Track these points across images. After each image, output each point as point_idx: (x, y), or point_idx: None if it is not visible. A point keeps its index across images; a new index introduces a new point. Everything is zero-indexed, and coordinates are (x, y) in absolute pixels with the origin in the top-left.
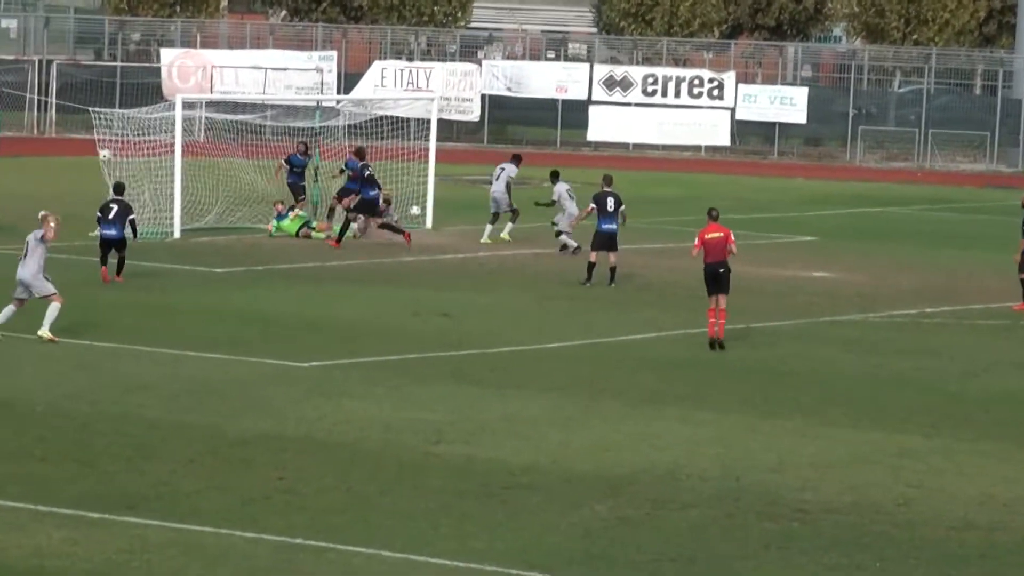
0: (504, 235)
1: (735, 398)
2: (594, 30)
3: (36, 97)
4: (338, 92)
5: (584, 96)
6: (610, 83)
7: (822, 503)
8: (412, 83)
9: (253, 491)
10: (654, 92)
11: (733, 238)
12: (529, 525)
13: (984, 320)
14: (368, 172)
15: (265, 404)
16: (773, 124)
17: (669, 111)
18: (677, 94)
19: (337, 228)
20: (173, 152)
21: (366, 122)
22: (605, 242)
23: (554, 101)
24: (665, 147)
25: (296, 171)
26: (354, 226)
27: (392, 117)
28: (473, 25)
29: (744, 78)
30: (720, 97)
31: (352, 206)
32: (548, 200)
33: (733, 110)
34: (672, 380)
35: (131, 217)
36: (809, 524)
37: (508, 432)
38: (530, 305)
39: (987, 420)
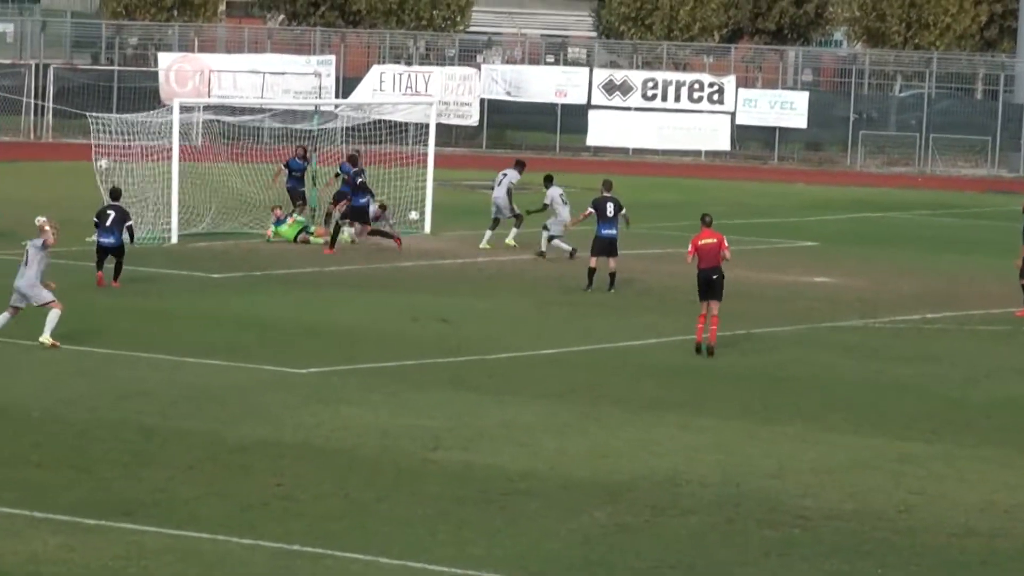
0: (509, 240)
1: (735, 404)
2: (594, 34)
3: (33, 101)
4: (336, 96)
5: (583, 100)
6: (610, 87)
7: (823, 509)
8: (411, 87)
9: (251, 497)
10: (654, 96)
11: (727, 244)
12: (528, 532)
13: (985, 326)
14: (360, 180)
15: (263, 410)
16: (773, 129)
17: (669, 115)
18: (677, 98)
19: (343, 235)
20: (170, 157)
21: (363, 125)
22: (605, 247)
23: (553, 105)
24: (665, 152)
25: (295, 175)
26: (351, 231)
27: (390, 122)
28: (472, 29)
29: (744, 82)
30: (720, 102)
31: (342, 212)
32: (539, 205)
33: (733, 115)
34: (672, 386)
35: (128, 223)
36: (810, 531)
37: (506, 438)
38: (529, 311)
39: (988, 426)
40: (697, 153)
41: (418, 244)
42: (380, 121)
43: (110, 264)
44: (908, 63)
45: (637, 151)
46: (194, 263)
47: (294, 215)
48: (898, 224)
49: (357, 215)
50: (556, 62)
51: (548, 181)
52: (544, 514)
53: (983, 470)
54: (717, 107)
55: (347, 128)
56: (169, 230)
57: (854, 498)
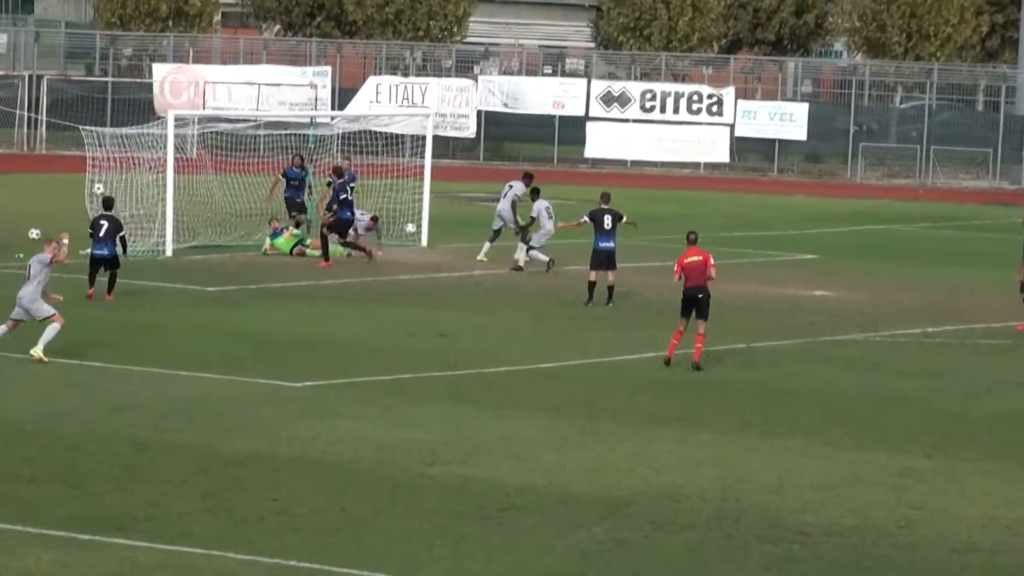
0: (518, 255)
1: (735, 418)
2: (592, 45)
3: (26, 114)
4: (332, 108)
5: (581, 112)
6: (608, 99)
7: (823, 525)
8: (407, 99)
9: (246, 512)
10: (652, 108)
11: (713, 262)
12: (525, 547)
13: (987, 340)
14: (344, 196)
15: (258, 424)
16: (773, 140)
17: (667, 127)
18: (676, 110)
19: (337, 248)
20: (165, 169)
21: (355, 134)
22: (603, 260)
23: (551, 117)
24: (663, 164)
25: (293, 184)
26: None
27: (387, 134)
28: (469, 40)
29: (743, 94)
30: (719, 113)
31: (327, 225)
32: (528, 219)
33: (732, 126)
34: (671, 400)
35: (121, 234)
36: (810, 547)
37: (504, 453)
38: (526, 324)
39: (990, 440)
40: (696, 165)
41: (415, 257)
42: (376, 133)
43: (103, 277)
44: (909, 74)
45: (635, 163)
46: (188, 276)
47: (290, 229)
48: (899, 237)
49: (340, 229)
50: (554, 73)
51: (535, 194)
52: (542, 529)
53: (985, 485)
54: (716, 119)
55: (343, 136)
56: (164, 243)
57: (854, 513)
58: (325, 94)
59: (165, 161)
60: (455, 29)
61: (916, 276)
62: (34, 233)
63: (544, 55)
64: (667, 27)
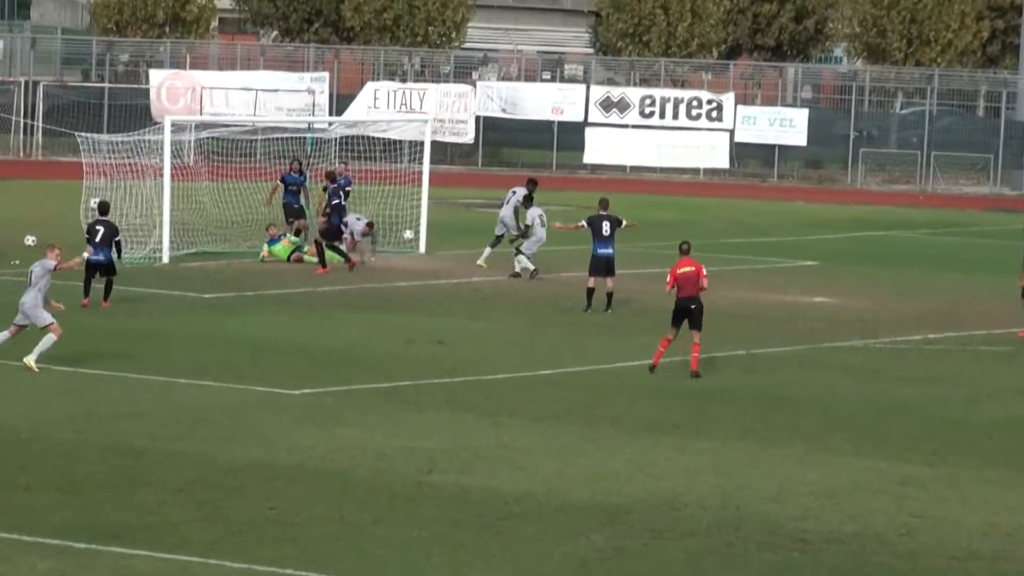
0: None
1: (735, 425)
2: (591, 50)
3: (22, 121)
4: (330, 114)
5: (580, 118)
6: (607, 104)
7: (823, 533)
8: (405, 104)
9: (244, 521)
10: (651, 114)
11: (705, 272)
12: (524, 555)
13: (988, 346)
14: (336, 201)
15: (256, 432)
16: (773, 146)
17: (667, 133)
18: (675, 116)
19: (332, 255)
20: (161, 175)
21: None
22: (601, 267)
23: (550, 123)
24: (663, 170)
25: (291, 189)
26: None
27: (385, 139)
28: (467, 46)
29: (743, 99)
30: (719, 119)
31: (320, 231)
32: (521, 228)
33: (732, 132)
34: (670, 407)
35: (117, 238)
36: (810, 554)
37: (503, 460)
38: (525, 331)
39: (991, 448)
40: (695, 171)
41: (413, 264)
42: (374, 139)
43: (98, 284)
44: (909, 80)
45: (635, 169)
46: (185, 283)
47: (289, 236)
48: (899, 243)
49: (331, 235)
50: (552, 79)
51: (528, 201)
52: (541, 537)
53: (985, 492)
54: (716, 124)
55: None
56: (160, 249)
57: (855, 521)
58: (323, 100)
59: (161, 167)
60: (453, 35)
61: (916, 282)
62: (30, 240)
63: (543, 61)
64: (666, 33)
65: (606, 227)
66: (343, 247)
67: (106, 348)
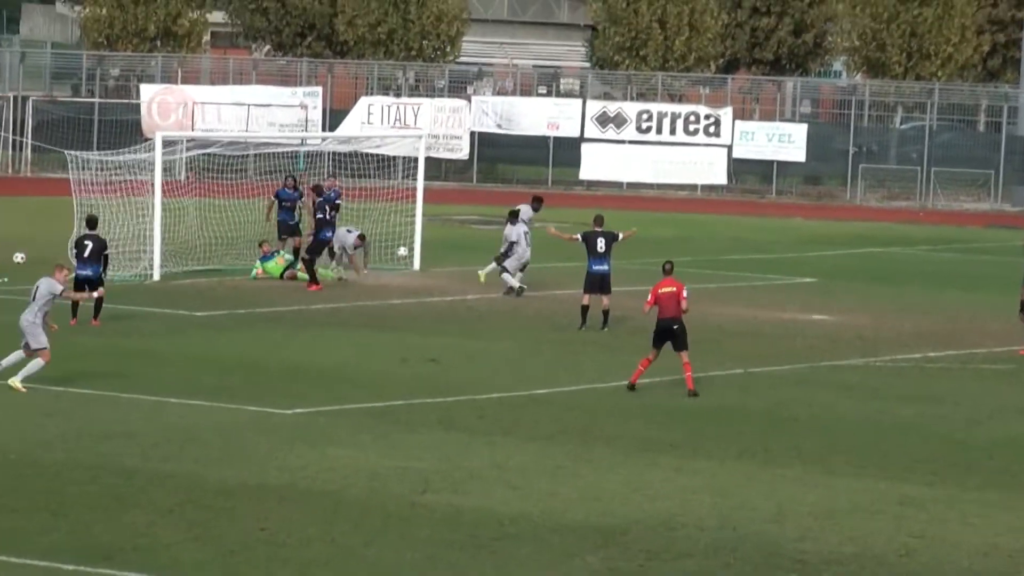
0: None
1: (732, 445)
2: (587, 65)
3: (11, 137)
4: (323, 129)
5: (576, 133)
6: (603, 119)
7: (822, 554)
8: (399, 120)
9: (234, 542)
10: (648, 129)
11: (686, 293)
12: None
13: (988, 365)
14: (322, 215)
15: (247, 452)
16: (771, 162)
17: (664, 149)
18: (672, 131)
19: (327, 271)
20: (152, 192)
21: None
22: (596, 284)
23: (545, 138)
24: (660, 186)
25: (285, 205)
26: (336, 269)
27: (379, 155)
28: (462, 60)
29: (741, 114)
30: (716, 134)
31: (307, 248)
32: (507, 246)
33: (730, 148)
34: (667, 427)
35: (105, 252)
36: (808, 575)
37: (497, 481)
38: (520, 350)
39: (992, 468)
40: (693, 187)
41: (407, 281)
42: (368, 155)
43: (88, 302)
44: (909, 94)
45: (631, 185)
46: (176, 301)
47: (283, 253)
48: (899, 260)
49: (318, 250)
50: (548, 93)
51: (513, 217)
52: (535, 559)
53: (986, 513)
54: (713, 140)
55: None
56: (151, 267)
57: (854, 542)
58: (316, 115)
59: (152, 184)
60: (448, 49)
61: (917, 300)
62: (19, 257)
63: (538, 75)
64: (663, 47)
65: (601, 243)
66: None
67: (96, 367)
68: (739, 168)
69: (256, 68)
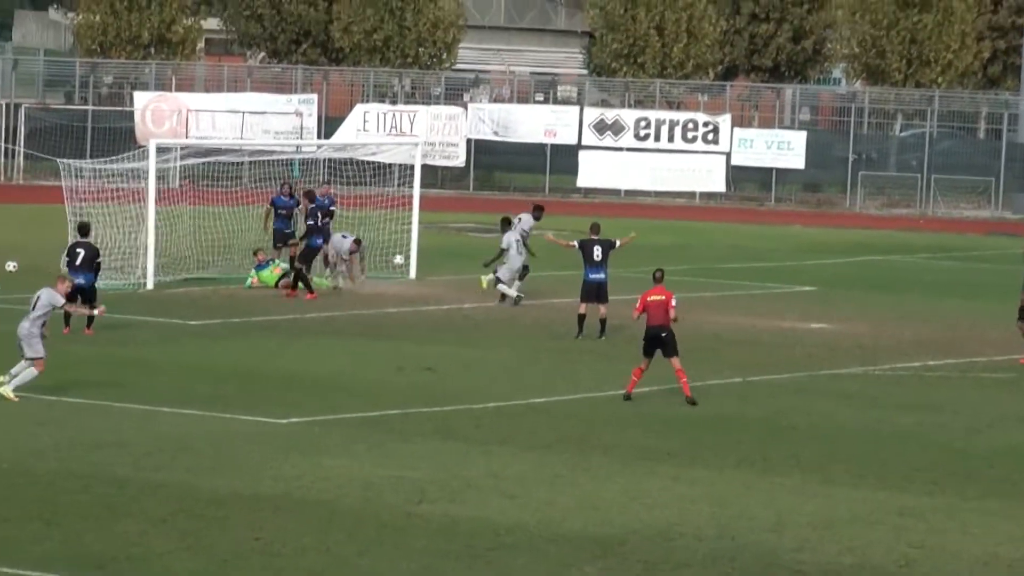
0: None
1: (731, 454)
2: (584, 72)
3: (3, 143)
4: (319, 136)
5: (574, 140)
6: (601, 127)
7: (821, 564)
8: (395, 127)
9: (228, 552)
10: (646, 136)
11: (674, 303)
12: None
13: (989, 373)
14: (313, 222)
15: (241, 461)
16: (770, 169)
17: (662, 156)
18: (670, 138)
19: (322, 280)
20: (146, 200)
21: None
22: (593, 293)
23: (542, 146)
24: (658, 194)
25: (281, 213)
26: (332, 279)
27: (375, 163)
28: (459, 67)
29: (740, 121)
30: (715, 141)
31: (297, 255)
32: (496, 252)
33: (728, 155)
34: (665, 436)
35: (98, 260)
36: None
37: (494, 490)
38: (516, 359)
39: (992, 477)
40: (691, 195)
41: (403, 290)
42: (364, 162)
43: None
44: (909, 101)
45: (629, 193)
46: (170, 310)
47: (278, 262)
48: (898, 268)
49: (309, 257)
50: (545, 101)
51: (505, 224)
52: (532, 569)
53: (986, 523)
54: (712, 147)
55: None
56: (145, 275)
57: (853, 552)
58: (311, 122)
59: (146, 192)
60: (444, 56)
61: (916, 308)
62: (11, 266)
63: (535, 82)
64: (661, 53)
65: (597, 252)
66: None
67: (89, 376)
68: (738, 176)
69: (251, 75)
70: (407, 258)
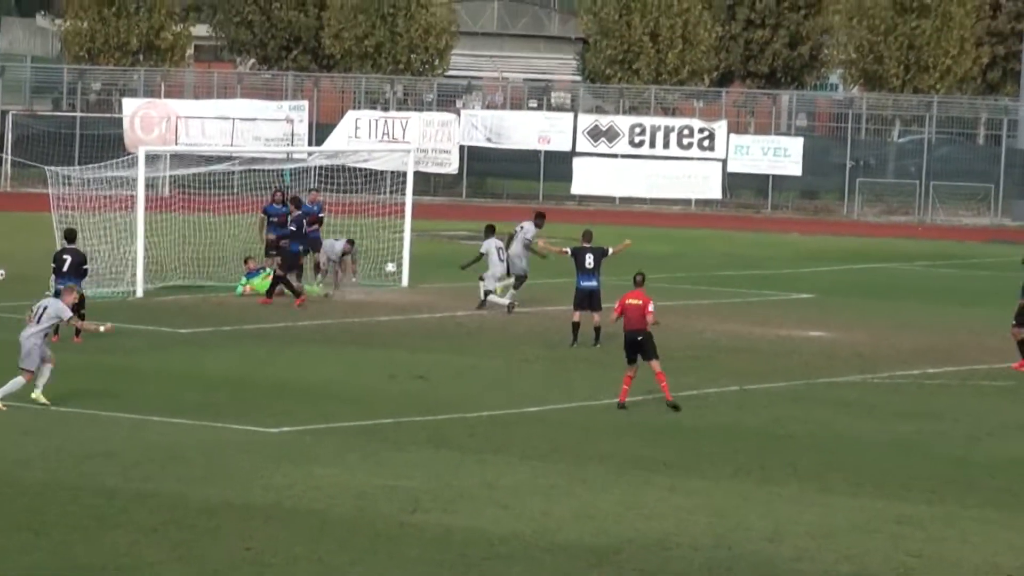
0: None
1: (728, 464)
2: (578, 78)
3: None
4: (309, 143)
5: (568, 147)
6: (595, 133)
7: (819, 574)
8: (387, 134)
9: (219, 562)
10: (641, 143)
11: (651, 308)
12: None
13: (988, 381)
14: (295, 228)
15: (232, 471)
16: (766, 176)
17: (657, 163)
18: (666, 145)
19: (312, 287)
20: (135, 207)
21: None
22: (585, 300)
23: (536, 152)
24: (653, 201)
25: (273, 220)
26: (321, 286)
27: (366, 170)
28: (451, 73)
29: (736, 128)
30: (711, 148)
31: (278, 263)
32: (475, 256)
33: (724, 162)
34: (661, 445)
35: (85, 267)
36: None
37: (488, 500)
38: (510, 367)
39: (992, 486)
40: (687, 202)
41: (395, 298)
42: (355, 169)
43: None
44: (907, 107)
45: (624, 200)
46: (160, 318)
47: (271, 270)
48: (897, 275)
49: (288, 261)
50: (539, 107)
51: (489, 231)
52: None
53: (986, 532)
54: (708, 154)
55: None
56: (134, 283)
57: (851, 561)
58: (302, 129)
59: (135, 199)
60: (437, 62)
61: (915, 316)
62: None
63: (529, 88)
64: (656, 59)
65: (589, 260)
66: (294, 281)
67: (77, 385)
68: (734, 182)
69: (241, 82)
70: (399, 266)
